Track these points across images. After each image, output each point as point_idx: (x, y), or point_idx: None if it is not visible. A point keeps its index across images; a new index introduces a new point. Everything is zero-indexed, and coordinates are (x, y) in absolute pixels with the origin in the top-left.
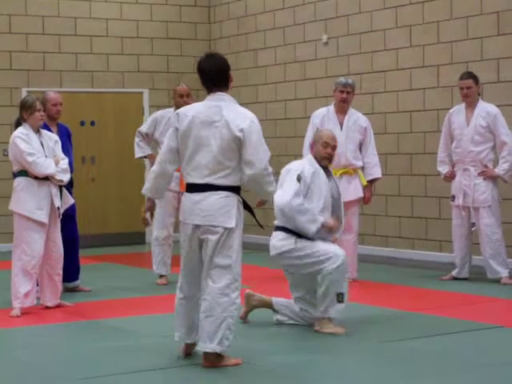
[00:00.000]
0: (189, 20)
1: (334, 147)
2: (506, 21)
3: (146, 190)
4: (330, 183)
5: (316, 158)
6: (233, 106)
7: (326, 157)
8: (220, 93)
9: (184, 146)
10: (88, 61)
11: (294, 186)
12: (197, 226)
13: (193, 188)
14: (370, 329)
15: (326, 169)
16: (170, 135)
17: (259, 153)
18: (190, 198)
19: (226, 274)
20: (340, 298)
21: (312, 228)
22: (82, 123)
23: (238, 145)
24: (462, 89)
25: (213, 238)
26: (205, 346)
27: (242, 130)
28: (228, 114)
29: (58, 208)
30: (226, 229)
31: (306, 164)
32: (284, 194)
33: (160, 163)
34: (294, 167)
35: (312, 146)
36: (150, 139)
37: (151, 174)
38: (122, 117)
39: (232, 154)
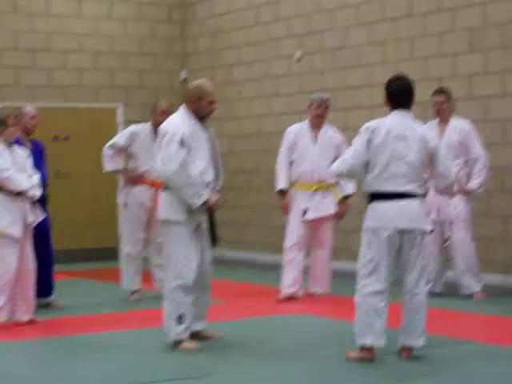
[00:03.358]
0: (163, 35)
1: (216, 101)
2: (479, 37)
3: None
4: (207, 134)
5: (196, 113)
6: (417, 123)
7: (211, 113)
8: (406, 110)
9: (377, 158)
10: (62, 76)
11: (178, 154)
12: (399, 231)
13: (390, 196)
14: (340, 344)
15: (202, 119)
16: (365, 148)
17: (448, 166)
18: (390, 205)
19: (425, 275)
20: (180, 320)
21: (196, 202)
22: (56, 138)
23: (429, 158)
24: (435, 104)
25: (416, 240)
26: (420, 341)
27: (433, 147)
28: (419, 130)
29: (31, 223)
30: (424, 232)
31: (185, 123)
32: (169, 161)
33: (351, 170)
34: (172, 130)
35: (194, 102)
36: (124, 153)
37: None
38: (96, 132)
39: (424, 166)
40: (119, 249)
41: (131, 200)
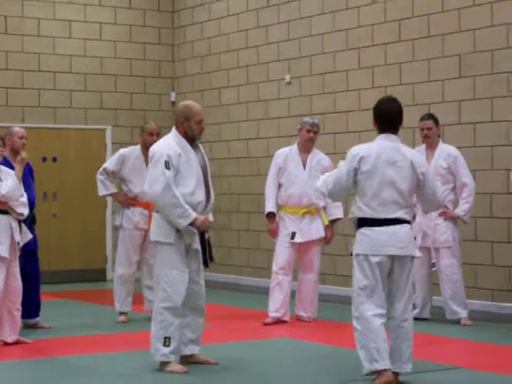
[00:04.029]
0: (153, 58)
1: (204, 120)
2: (468, 63)
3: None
4: (197, 155)
5: (186, 134)
6: (407, 148)
7: (200, 133)
8: (393, 134)
9: (367, 184)
10: (51, 97)
11: (163, 176)
12: (390, 257)
13: (382, 222)
14: (328, 368)
15: (192, 140)
16: (346, 176)
17: (436, 192)
18: (380, 231)
19: (411, 300)
20: (167, 342)
21: (183, 223)
22: (44, 159)
23: (417, 184)
24: (422, 130)
25: (406, 266)
26: (407, 367)
27: (422, 173)
28: (409, 155)
29: (18, 243)
30: (413, 258)
31: (172, 145)
32: (154, 183)
33: (330, 193)
34: (159, 151)
35: (181, 123)
36: (116, 177)
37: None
38: (85, 153)
39: (412, 192)
40: (107, 270)
41: (125, 222)
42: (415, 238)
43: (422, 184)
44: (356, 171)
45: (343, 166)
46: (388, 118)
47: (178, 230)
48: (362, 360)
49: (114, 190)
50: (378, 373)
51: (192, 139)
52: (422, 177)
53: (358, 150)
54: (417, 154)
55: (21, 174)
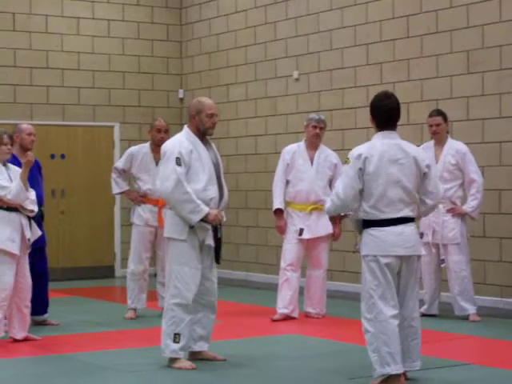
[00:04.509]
0: (161, 54)
1: (217, 115)
2: (476, 59)
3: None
4: (209, 152)
5: (198, 130)
6: (408, 144)
7: (212, 127)
8: (392, 131)
9: (373, 185)
10: (59, 94)
11: (174, 172)
12: (399, 257)
13: (389, 222)
14: (336, 364)
15: (203, 137)
16: (355, 178)
17: (438, 184)
18: (388, 231)
19: (418, 297)
20: (177, 338)
21: (195, 218)
22: (53, 156)
23: (422, 179)
24: (431, 126)
25: (413, 266)
26: (417, 364)
27: (427, 166)
28: (411, 150)
29: (28, 239)
30: (419, 256)
31: (184, 142)
32: (166, 180)
33: (344, 201)
34: (170, 149)
35: (193, 116)
36: (127, 175)
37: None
38: (93, 150)
39: (417, 188)
40: (115, 267)
41: (136, 219)
42: (422, 234)
43: (426, 177)
44: (362, 171)
45: (349, 170)
46: (386, 113)
47: (191, 227)
48: (373, 362)
49: (126, 188)
50: (389, 377)
51: (203, 134)
52: (428, 169)
53: (361, 150)
54: (419, 150)
55: (27, 175)
